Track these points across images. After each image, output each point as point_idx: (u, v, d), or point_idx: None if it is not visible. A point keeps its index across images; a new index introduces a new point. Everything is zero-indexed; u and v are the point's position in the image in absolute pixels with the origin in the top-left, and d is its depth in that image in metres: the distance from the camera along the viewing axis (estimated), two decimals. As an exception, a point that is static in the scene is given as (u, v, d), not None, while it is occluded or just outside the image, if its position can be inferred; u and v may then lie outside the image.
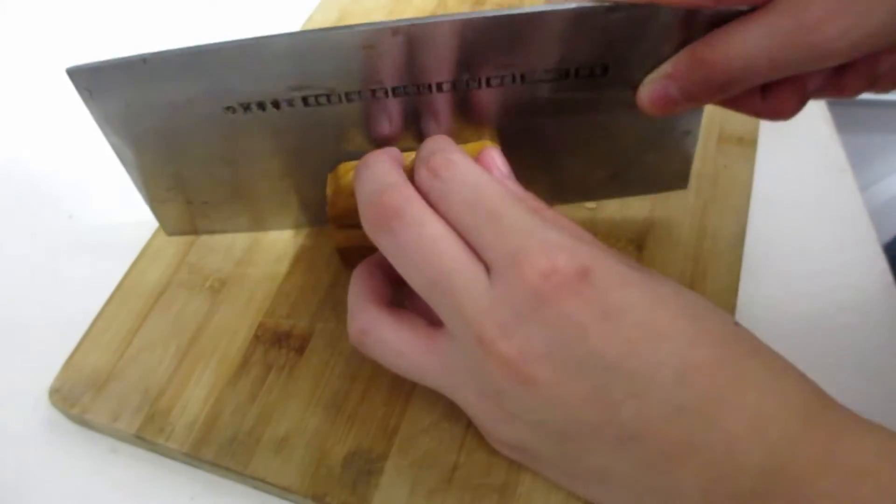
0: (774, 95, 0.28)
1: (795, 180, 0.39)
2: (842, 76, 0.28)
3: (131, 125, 0.29)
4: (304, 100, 0.28)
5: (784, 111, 0.28)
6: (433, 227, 0.25)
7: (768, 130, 0.39)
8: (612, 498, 0.26)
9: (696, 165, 0.37)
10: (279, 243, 0.35)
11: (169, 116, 0.29)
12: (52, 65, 0.47)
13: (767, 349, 0.24)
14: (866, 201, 0.38)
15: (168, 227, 0.35)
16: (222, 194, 0.33)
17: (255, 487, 0.29)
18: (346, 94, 0.28)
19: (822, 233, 0.37)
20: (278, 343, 0.32)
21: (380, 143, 0.30)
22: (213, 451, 0.29)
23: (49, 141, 0.43)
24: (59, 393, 0.31)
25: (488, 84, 0.28)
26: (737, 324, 0.25)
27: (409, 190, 0.26)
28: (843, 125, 0.42)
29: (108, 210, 0.39)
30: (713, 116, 0.39)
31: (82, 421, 0.31)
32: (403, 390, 0.30)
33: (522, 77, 0.28)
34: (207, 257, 0.35)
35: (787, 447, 0.22)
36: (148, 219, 0.35)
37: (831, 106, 0.42)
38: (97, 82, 0.27)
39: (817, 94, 0.28)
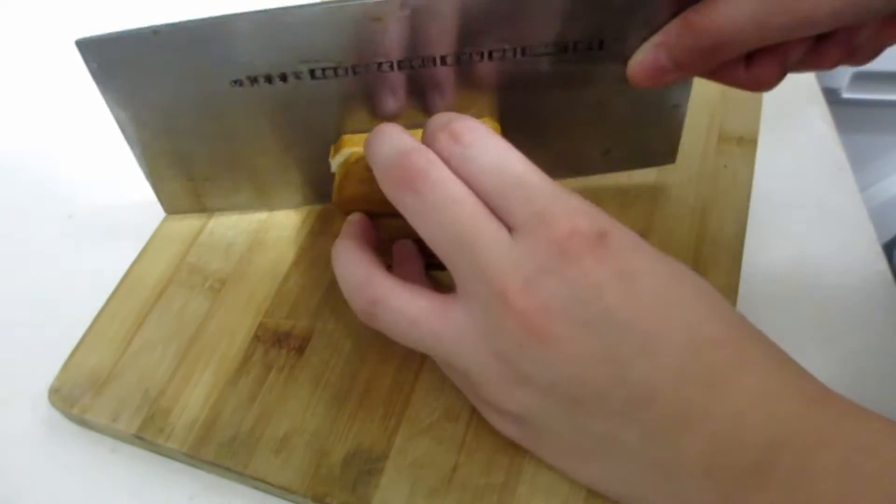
0: (757, 66, 0.29)
1: (795, 180, 0.39)
2: (822, 48, 0.29)
3: (136, 99, 0.29)
4: (312, 72, 0.29)
5: (765, 82, 0.29)
6: (456, 188, 0.25)
7: (768, 130, 0.39)
8: (612, 474, 0.26)
9: (696, 165, 0.37)
10: (279, 243, 0.35)
11: (173, 90, 0.29)
12: (52, 63, 0.47)
13: (770, 340, 0.25)
14: (866, 201, 0.38)
15: (168, 205, 0.35)
16: (224, 170, 0.33)
17: (255, 487, 0.29)
18: (353, 67, 0.29)
19: (822, 233, 0.37)
20: (278, 343, 0.32)
21: (384, 117, 0.31)
22: (213, 451, 0.29)
23: (49, 140, 0.43)
24: (58, 393, 0.31)
25: (490, 57, 0.29)
26: (741, 317, 0.25)
27: (431, 153, 0.26)
28: (843, 125, 0.42)
29: (107, 210, 0.39)
30: (713, 116, 0.39)
31: (82, 421, 0.31)
32: (403, 391, 0.30)
33: (523, 50, 0.29)
34: (207, 257, 0.35)
35: (791, 423, 0.22)
36: (148, 219, 0.35)
37: (831, 106, 0.42)
38: (106, 55, 0.27)
39: (798, 66, 0.29)
